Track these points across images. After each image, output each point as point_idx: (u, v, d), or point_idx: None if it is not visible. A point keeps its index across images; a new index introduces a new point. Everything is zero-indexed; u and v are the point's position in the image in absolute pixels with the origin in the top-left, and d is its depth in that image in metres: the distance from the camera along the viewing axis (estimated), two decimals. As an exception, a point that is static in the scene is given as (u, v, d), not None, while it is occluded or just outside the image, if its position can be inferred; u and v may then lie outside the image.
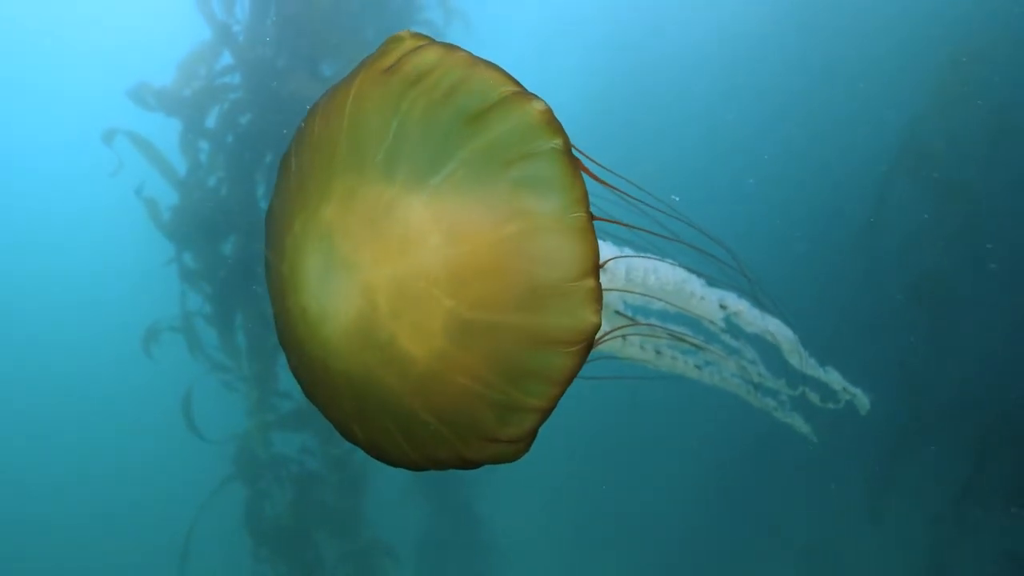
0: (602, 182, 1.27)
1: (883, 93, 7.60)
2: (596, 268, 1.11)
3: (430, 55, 1.19)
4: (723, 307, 2.32)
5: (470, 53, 1.21)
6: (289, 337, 1.34)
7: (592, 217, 1.12)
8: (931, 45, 6.93)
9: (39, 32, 8.22)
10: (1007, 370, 6.65)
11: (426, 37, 1.25)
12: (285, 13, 4.91)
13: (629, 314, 2.02)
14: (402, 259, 1.14)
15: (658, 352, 2.19)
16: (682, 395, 7.16)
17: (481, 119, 1.13)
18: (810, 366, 2.77)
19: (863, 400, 2.95)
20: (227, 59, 5.19)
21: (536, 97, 1.14)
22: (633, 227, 1.46)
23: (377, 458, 1.36)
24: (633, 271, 1.68)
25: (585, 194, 1.12)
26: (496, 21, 7.73)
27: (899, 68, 7.38)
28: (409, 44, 1.23)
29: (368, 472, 6.12)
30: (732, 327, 2.44)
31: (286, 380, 5.40)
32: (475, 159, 1.12)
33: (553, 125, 1.12)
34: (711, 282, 2.27)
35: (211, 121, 5.16)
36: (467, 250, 1.11)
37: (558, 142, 1.11)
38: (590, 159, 1.20)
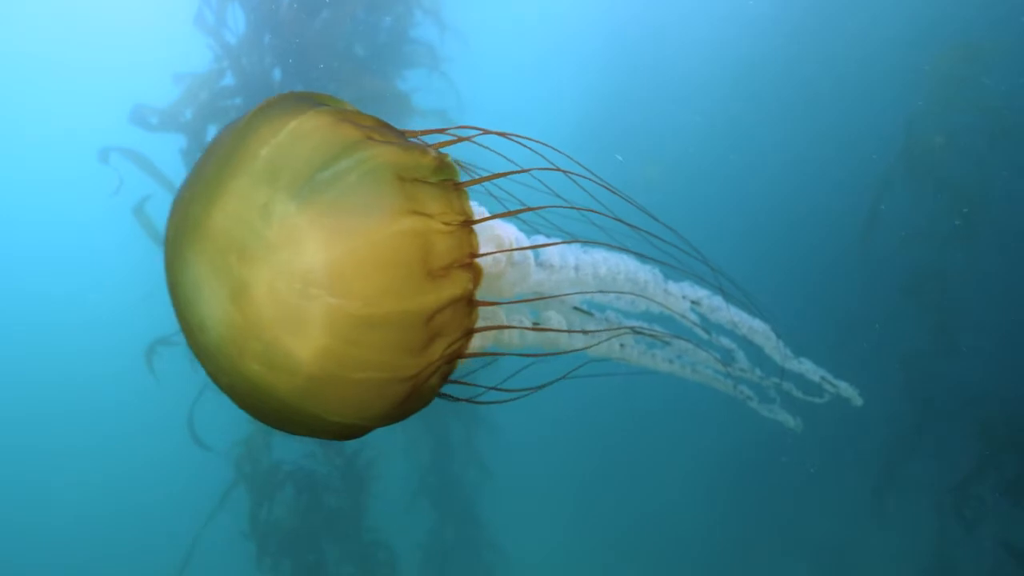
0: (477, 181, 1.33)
1: (881, 92, 7.60)
2: (475, 253, 1.19)
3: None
4: (692, 301, 2.36)
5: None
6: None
7: (472, 222, 1.20)
8: (928, 44, 6.94)
9: (42, 54, 8.47)
10: (1007, 367, 6.63)
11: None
12: (282, 34, 5.05)
13: (585, 308, 2.07)
14: (270, 254, 1.12)
15: (643, 352, 2.24)
16: (684, 398, 7.21)
17: (386, 143, 1.20)
18: (798, 363, 2.82)
19: (855, 396, 3.00)
20: (229, 79, 5.34)
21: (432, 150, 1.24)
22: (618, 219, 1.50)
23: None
24: (580, 263, 1.70)
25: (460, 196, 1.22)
26: (490, 34, 7.85)
27: (897, 67, 7.38)
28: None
29: (372, 476, 6.22)
30: (715, 325, 2.49)
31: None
32: (371, 163, 1.16)
33: (443, 166, 1.23)
34: (698, 283, 2.33)
35: (211, 135, 5.31)
36: (345, 246, 1.11)
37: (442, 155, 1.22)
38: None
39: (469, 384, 1.45)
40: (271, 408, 1.22)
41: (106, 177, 5.47)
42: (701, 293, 2.40)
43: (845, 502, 7.67)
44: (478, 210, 1.34)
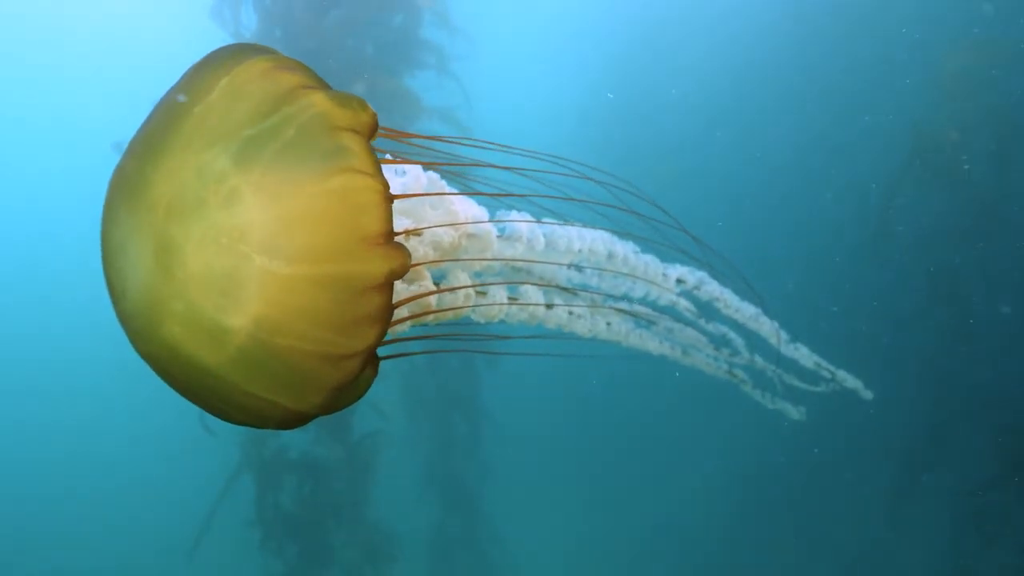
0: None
1: (894, 88, 7.55)
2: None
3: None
4: (679, 280, 2.41)
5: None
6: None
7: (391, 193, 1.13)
8: (942, 40, 6.91)
9: (57, 55, 8.66)
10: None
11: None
12: (291, 30, 5.21)
13: (570, 287, 2.12)
14: (202, 213, 1.07)
15: (635, 333, 2.29)
16: (699, 396, 7.19)
17: (312, 91, 1.15)
18: (814, 363, 2.88)
19: (864, 390, 3.07)
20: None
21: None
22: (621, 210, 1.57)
23: (235, 423, 1.28)
24: (552, 237, 1.71)
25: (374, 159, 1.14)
26: (497, 36, 7.93)
27: (909, 67, 7.35)
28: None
29: (377, 464, 6.33)
30: (725, 319, 2.54)
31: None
32: (303, 117, 1.12)
33: (373, 121, 1.18)
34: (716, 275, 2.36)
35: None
36: (280, 204, 1.08)
37: (373, 121, 1.17)
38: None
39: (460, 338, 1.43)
40: (195, 380, 1.15)
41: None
42: (713, 289, 2.47)
43: (864, 506, 7.54)
44: (439, 183, 1.40)
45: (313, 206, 1.08)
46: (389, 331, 1.23)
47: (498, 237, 1.55)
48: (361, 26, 5.39)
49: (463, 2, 6.00)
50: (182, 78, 1.22)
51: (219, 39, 5.51)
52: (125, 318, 1.16)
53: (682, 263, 2.35)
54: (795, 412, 3.06)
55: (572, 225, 1.90)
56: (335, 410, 1.25)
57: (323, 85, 1.20)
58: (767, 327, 2.70)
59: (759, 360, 2.75)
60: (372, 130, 1.17)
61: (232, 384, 1.13)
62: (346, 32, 5.33)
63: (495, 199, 1.58)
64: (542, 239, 1.68)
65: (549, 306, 1.92)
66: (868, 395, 3.09)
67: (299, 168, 1.09)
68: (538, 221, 1.75)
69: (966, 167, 6.57)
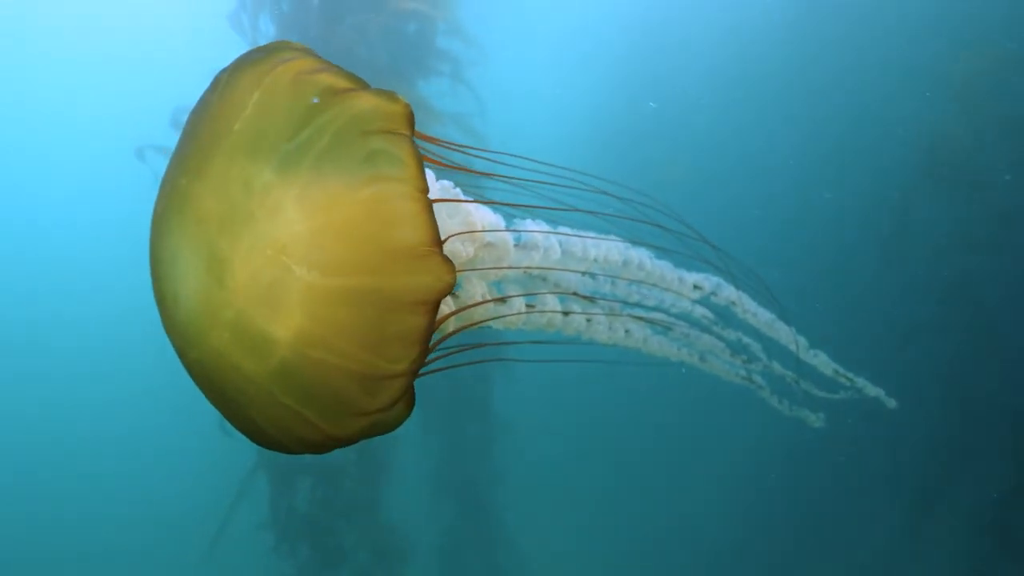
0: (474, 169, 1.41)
1: (909, 94, 7.51)
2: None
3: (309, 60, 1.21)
4: (696, 286, 2.41)
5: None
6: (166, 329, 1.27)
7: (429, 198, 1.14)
8: (957, 45, 6.88)
9: (81, 57, 8.79)
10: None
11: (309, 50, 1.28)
12: (308, 36, 5.26)
13: (586, 294, 2.13)
14: (247, 226, 1.11)
15: (653, 340, 2.30)
16: (714, 402, 7.16)
17: (347, 92, 1.16)
18: (833, 371, 2.87)
19: (889, 400, 3.05)
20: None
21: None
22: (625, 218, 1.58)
23: (259, 444, 1.31)
24: (568, 246, 1.72)
25: (422, 169, 1.14)
26: (509, 39, 7.95)
27: (924, 71, 7.31)
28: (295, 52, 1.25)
29: (391, 464, 6.35)
30: (743, 325, 2.53)
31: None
32: (335, 125, 1.13)
33: (409, 114, 1.16)
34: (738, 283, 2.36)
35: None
36: (320, 215, 1.09)
37: (408, 114, 1.16)
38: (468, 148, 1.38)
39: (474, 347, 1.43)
40: (236, 388, 1.18)
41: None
42: (731, 294, 2.47)
43: (883, 516, 7.49)
44: (453, 191, 1.40)
45: (348, 217, 1.10)
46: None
47: (515, 246, 1.55)
48: (375, 34, 5.44)
49: (475, 8, 6.02)
50: (215, 87, 1.25)
51: (238, 45, 5.58)
52: (175, 324, 1.21)
53: (699, 269, 2.35)
54: (814, 419, 3.05)
55: (590, 234, 1.91)
56: (364, 437, 1.25)
57: (354, 82, 1.20)
58: (785, 334, 2.69)
59: (777, 367, 2.74)
60: (408, 125, 1.16)
61: (269, 393, 1.15)
62: (359, 40, 5.37)
63: (507, 207, 1.58)
64: (559, 247, 1.68)
65: (566, 313, 1.93)
66: (892, 403, 3.07)
67: (335, 178, 1.11)
68: (554, 231, 1.76)
69: (1007, 177, 6.51)
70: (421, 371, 1.23)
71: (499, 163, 1.44)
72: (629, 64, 9.20)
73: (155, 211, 1.24)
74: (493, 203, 1.44)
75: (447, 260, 1.15)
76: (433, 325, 1.17)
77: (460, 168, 1.35)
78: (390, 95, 1.17)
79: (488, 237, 1.46)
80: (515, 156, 1.45)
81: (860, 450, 7.27)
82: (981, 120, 6.56)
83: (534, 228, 1.66)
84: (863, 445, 7.14)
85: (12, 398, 9.39)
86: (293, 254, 1.10)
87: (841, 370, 2.94)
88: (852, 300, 7.73)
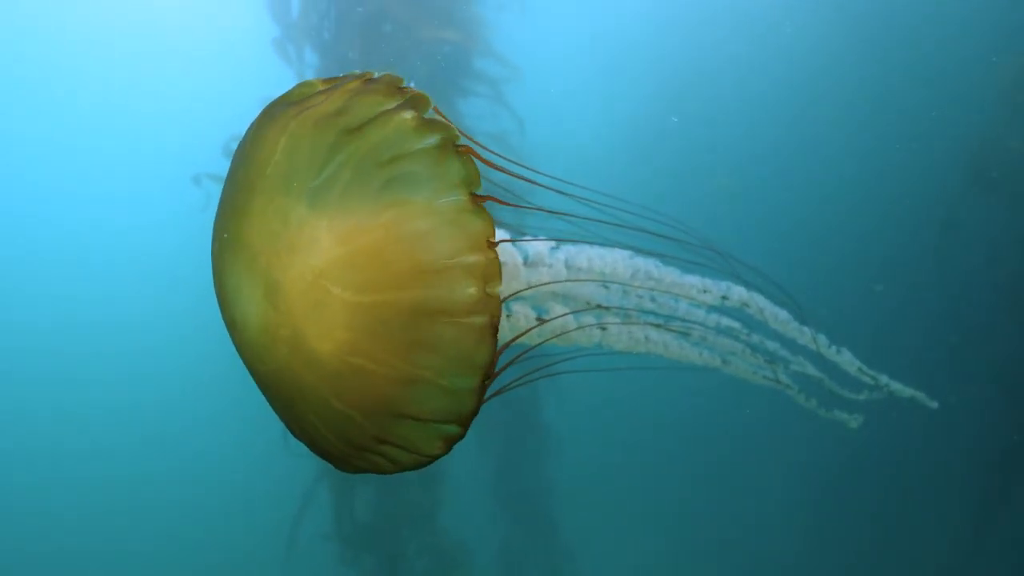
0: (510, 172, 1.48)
1: (955, 98, 7.40)
2: (482, 245, 1.27)
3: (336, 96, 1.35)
4: (723, 297, 2.46)
5: (363, 82, 1.36)
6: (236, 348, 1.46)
7: (481, 198, 1.28)
8: (1003, 51, 6.78)
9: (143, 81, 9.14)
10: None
11: (332, 82, 1.42)
12: (347, 62, 5.46)
13: (604, 304, 2.19)
14: (291, 256, 1.27)
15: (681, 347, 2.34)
16: (774, 412, 7.09)
17: (360, 130, 1.29)
18: (884, 379, 2.87)
19: (931, 401, 3.05)
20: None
21: (410, 107, 1.30)
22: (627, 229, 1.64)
23: (320, 456, 1.47)
24: (573, 260, 1.78)
25: (467, 181, 1.27)
26: (545, 55, 8.02)
27: (970, 75, 7.21)
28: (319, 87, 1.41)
29: (448, 476, 6.46)
30: (762, 329, 2.56)
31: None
32: (352, 161, 1.27)
33: (423, 128, 1.28)
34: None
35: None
36: (349, 240, 1.25)
37: (433, 139, 1.28)
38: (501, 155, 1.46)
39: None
40: (297, 396, 1.35)
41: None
42: (760, 301, 2.50)
43: (945, 527, 7.33)
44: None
45: (373, 240, 1.25)
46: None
47: (566, 267, 1.61)
48: (413, 59, 5.60)
49: (507, 26, 6.14)
50: (248, 137, 1.44)
51: (284, 74, 5.79)
52: (244, 344, 1.40)
53: (748, 280, 2.40)
54: (852, 421, 3.04)
55: (624, 248, 2.02)
56: (426, 457, 1.38)
57: (374, 109, 1.31)
58: (834, 341, 2.69)
59: (824, 376, 2.75)
60: (419, 138, 1.28)
61: (324, 399, 1.32)
62: (399, 59, 5.54)
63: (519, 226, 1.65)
64: (598, 263, 1.75)
65: (603, 327, 2.00)
66: (933, 404, 3.05)
67: (359, 206, 1.27)
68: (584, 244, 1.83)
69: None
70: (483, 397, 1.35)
71: (515, 176, 1.52)
72: (673, 70, 9.16)
73: (213, 249, 1.45)
74: (508, 225, 1.50)
75: (469, 272, 1.25)
76: (488, 342, 1.28)
77: (497, 194, 1.43)
78: (399, 120, 1.29)
79: (503, 256, 1.54)
80: (530, 169, 1.53)
81: (918, 459, 7.14)
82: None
83: (565, 242, 1.74)
84: (922, 454, 7.02)
85: (87, 430, 9.68)
86: (330, 277, 1.26)
87: (885, 379, 2.93)
88: (901, 309, 7.62)
